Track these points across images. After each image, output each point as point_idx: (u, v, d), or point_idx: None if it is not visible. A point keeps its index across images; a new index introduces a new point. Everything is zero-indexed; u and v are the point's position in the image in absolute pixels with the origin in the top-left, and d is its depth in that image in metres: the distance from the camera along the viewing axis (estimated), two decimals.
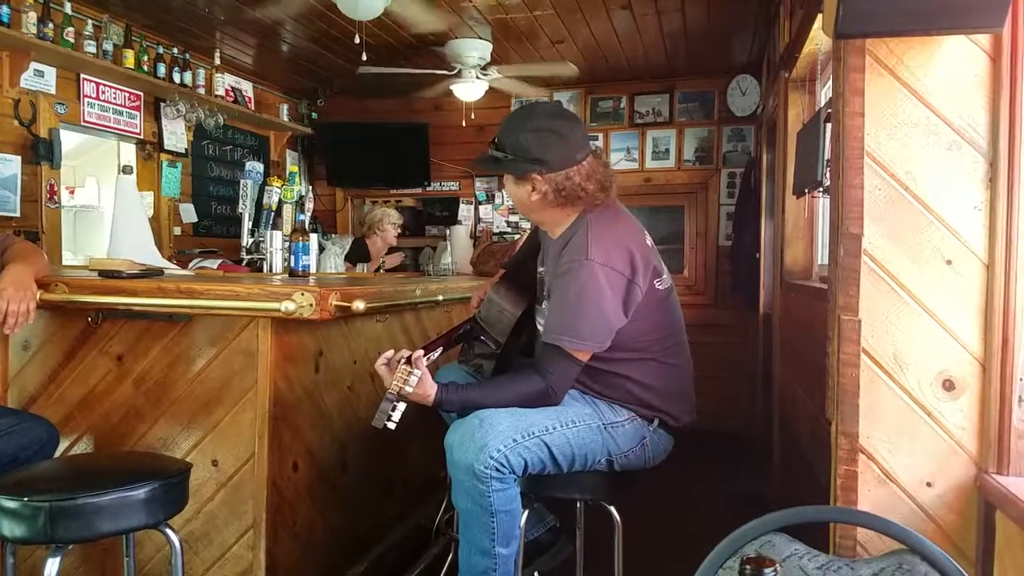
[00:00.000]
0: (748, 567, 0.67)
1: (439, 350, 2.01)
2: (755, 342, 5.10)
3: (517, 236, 5.64)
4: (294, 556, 2.20)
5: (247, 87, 5.52)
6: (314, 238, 2.97)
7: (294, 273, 2.86)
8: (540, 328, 2.09)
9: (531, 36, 4.64)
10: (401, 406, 1.79)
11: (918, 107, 1.59)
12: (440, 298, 2.75)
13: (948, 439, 1.59)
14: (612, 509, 2.04)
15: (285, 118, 5.82)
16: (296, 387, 2.19)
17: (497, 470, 1.80)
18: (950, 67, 1.58)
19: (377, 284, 2.55)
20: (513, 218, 6.04)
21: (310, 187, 6.09)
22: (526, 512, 1.95)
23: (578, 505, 2.31)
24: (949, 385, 1.58)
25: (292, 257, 2.85)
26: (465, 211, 6.10)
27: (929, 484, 1.61)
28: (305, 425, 2.25)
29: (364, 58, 3.84)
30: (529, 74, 4.95)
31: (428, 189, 6.18)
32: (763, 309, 4.80)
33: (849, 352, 1.59)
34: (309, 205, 3.49)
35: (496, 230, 5.98)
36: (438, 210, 6.40)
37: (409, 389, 1.79)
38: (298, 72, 5.57)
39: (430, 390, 1.87)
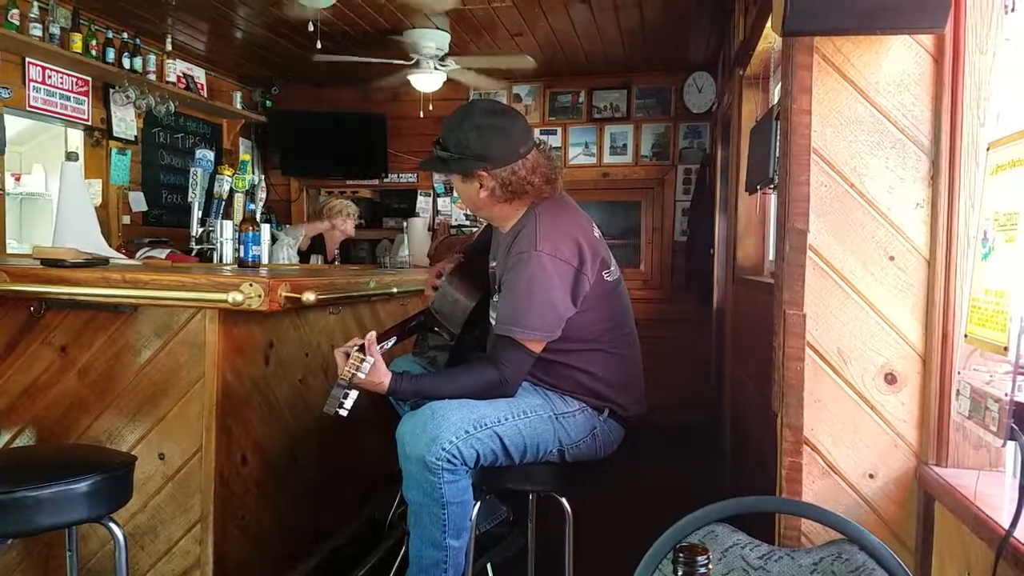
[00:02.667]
0: (681, 555, 0.68)
1: (393, 339, 2.01)
2: (709, 336, 5.18)
3: (475, 229, 5.64)
4: (243, 550, 2.18)
5: (199, 74, 5.39)
6: (266, 228, 2.92)
7: (244, 263, 2.81)
8: (493, 321, 2.10)
9: (490, 28, 4.62)
10: (353, 394, 1.79)
11: (864, 105, 1.62)
12: (395, 290, 2.73)
13: (890, 432, 1.63)
14: (563, 501, 2.05)
15: (239, 106, 5.71)
16: (245, 380, 2.16)
17: (449, 462, 1.80)
18: (895, 66, 1.61)
19: (330, 275, 2.53)
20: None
21: (263, 176, 5.98)
22: (478, 504, 1.95)
23: (530, 497, 2.32)
24: (891, 379, 1.62)
25: (242, 247, 2.80)
26: (423, 203, 6.06)
27: (871, 476, 1.65)
28: (254, 418, 2.22)
29: (319, 46, 3.77)
30: (486, 66, 4.93)
31: (385, 181, 6.12)
32: (716, 304, 4.87)
33: (794, 346, 1.62)
34: (261, 195, 3.44)
35: (454, 223, 5.95)
36: (396, 202, 6.34)
37: (361, 376, 1.79)
38: (252, 59, 5.47)
39: (384, 378, 1.87)
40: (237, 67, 5.72)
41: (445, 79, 4.92)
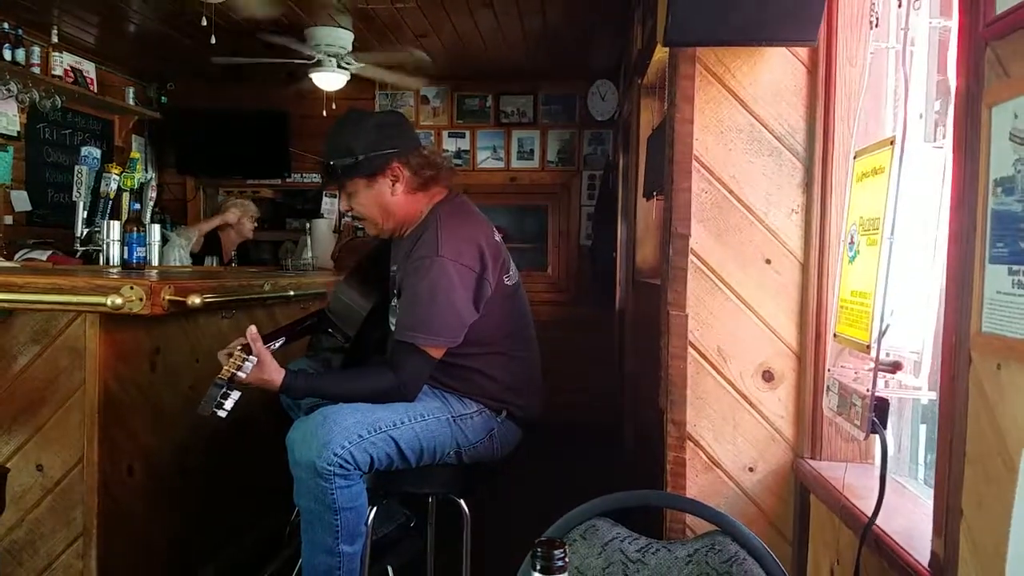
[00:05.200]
0: (539, 550, 0.69)
1: (282, 340, 1.97)
2: (612, 337, 5.30)
3: None
4: (130, 563, 2.09)
5: (89, 68, 5.12)
6: (155, 228, 2.80)
7: (128, 266, 2.69)
8: (392, 327, 2.08)
9: (394, 28, 4.58)
10: (235, 394, 1.75)
11: (743, 114, 1.70)
12: (292, 293, 2.67)
13: (768, 427, 1.71)
14: (462, 502, 2.06)
15: (131, 101, 5.44)
16: (129, 387, 2.07)
17: (341, 467, 1.77)
18: (772, 77, 1.70)
19: (220, 278, 2.45)
20: None
21: (155, 175, 5.71)
22: (374, 509, 1.93)
23: (430, 500, 2.31)
24: (768, 376, 1.70)
25: (127, 249, 2.67)
26: (328, 204, 5.92)
27: (751, 469, 1.72)
28: (140, 427, 2.12)
29: (213, 41, 3.64)
30: (379, 62, 4.86)
31: (288, 180, 5.95)
32: (618, 306, 4.98)
33: (677, 345, 1.68)
34: (152, 194, 3.30)
35: (360, 225, 5.86)
36: (299, 203, 6.18)
37: (242, 375, 1.75)
38: (146, 54, 5.23)
39: (276, 375, 1.83)
40: (130, 61, 5.46)
41: (349, 78, 4.84)
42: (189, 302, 1.90)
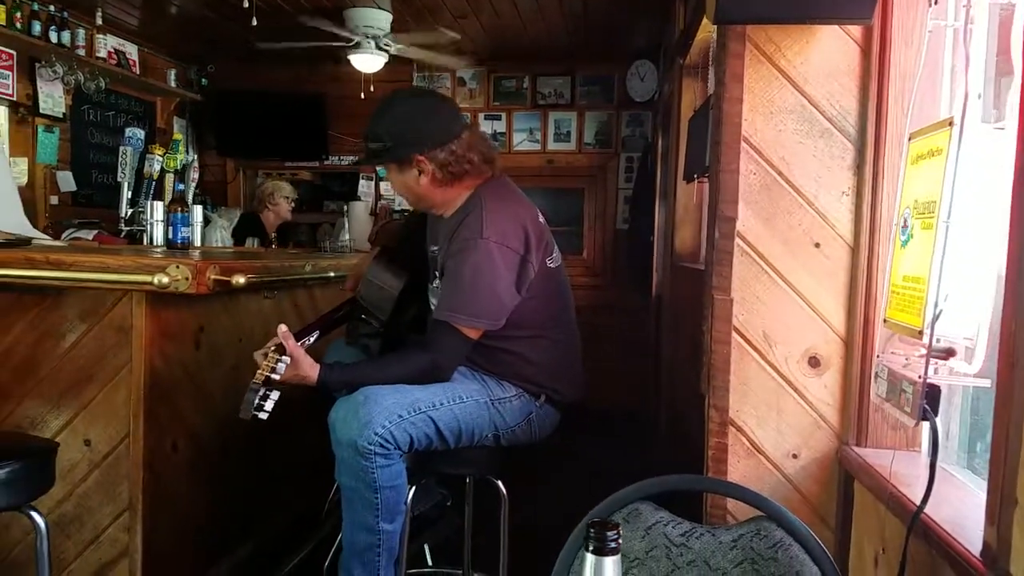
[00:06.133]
0: (592, 531, 0.69)
1: (316, 334, 1.98)
2: (648, 322, 5.26)
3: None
4: (173, 538, 2.13)
5: (132, 50, 5.20)
6: (198, 209, 2.84)
7: (172, 245, 2.74)
8: (433, 306, 2.08)
9: (433, 10, 4.57)
10: (274, 395, 1.77)
11: (794, 95, 1.66)
12: (332, 275, 2.68)
13: (813, 413, 1.68)
14: (499, 483, 2.06)
15: (173, 83, 5.52)
16: (174, 365, 2.11)
17: (381, 446, 1.79)
18: (825, 57, 1.66)
19: (263, 258, 2.47)
20: None
21: (196, 156, 5.79)
22: (412, 488, 1.94)
23: (467, 480, 2.33)
24: (815, 362, 1.67)
25: (171, 229, 2.72)
26: (365, 187, 5.96)
27: (795, 456, 1.70)
28: (184, 404, 2.16)
29: (254, 23, 3.66)
30: (412, 43, 4.85)
31: (326, 163, 5.98)
32: (655, 290, 4.94)
33: (721, 330, 1.66)
34: (194, 175, 3.35)
35: (396, 207, 5.88)
36: (337, 185, 6.23)
37: (276, 376, 1.77)
38: (187, 36, 5.29)
39: (311, 371, 1.84)
40: (172, 44, 5.53)
41: (387, 59, 4.84)
42: (234, 282, 1.92)
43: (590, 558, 0.70)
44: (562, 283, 2.12)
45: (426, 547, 2.47)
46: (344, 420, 1.82)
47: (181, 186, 2.99)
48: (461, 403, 1.92)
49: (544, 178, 5.85)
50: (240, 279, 1.93)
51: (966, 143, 1.20)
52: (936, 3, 1.42)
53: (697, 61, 3.52)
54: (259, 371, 1.77)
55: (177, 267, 1.83)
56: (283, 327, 1.83)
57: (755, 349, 1.68)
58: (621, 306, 5.69)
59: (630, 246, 5.58)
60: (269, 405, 1.77)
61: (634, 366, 5.44)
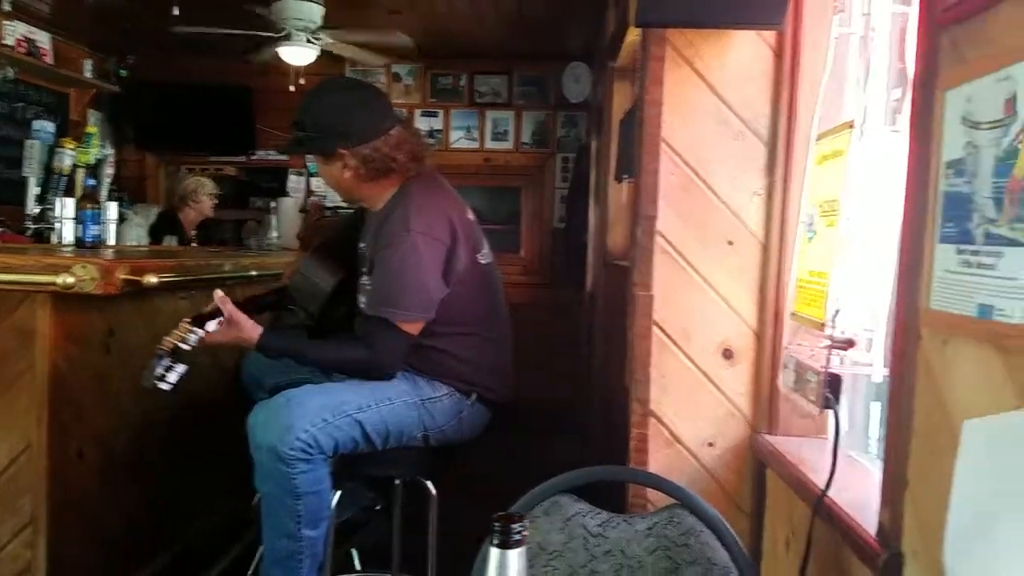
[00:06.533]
0: (496, 524, 0.70)
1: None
2: (583, 320, 5.32)
3: (353, 210, 5.48)
4: (84, 551, 2.04)
5: (44, 38, 4.95)
6: (112, 207, 2.74)
7: (82, 244, 2.63)
8: (361, 304, 2.07)
9: (366, 4, 4.51)
10: (180, 368, 1.73)
11: (710, 97, 1.71)
12: (254, 273, 2.62)
13: (727, 403, 1.74)
14: (428, 484, 2.06)
15: (89, 74, 5.28)
16: (81, 370, 2.01)
17: (304, 451, 1.75)
18: (741, 61, 1.71)
19: (178, 257, 2.40)
20: None
21: (113, 151, 5.55)
22: (337, 493, 1.92)
23: (396, 482, 2.32)
24: (728, 354, 1.72)
25: (80, 227, 2.61)
26: (295, 182, 5.83)
27: (711, 444, 1.75)
28: (92, 411, 2.06)
29: (176, 12, 3.54)
30: (361, 41, 4.79)
31: (253, 158, 5.81)
32: (589, 288, 5.01)
33: (642, 325, 1.70)
34: (109, 170, 3.22)
35: (329, 204, 5.77)
36: (265, 181, 6.06)
37: (186, 347, 1.74)
38: (105, 25, 5.07)
39: (252, 332, 1.84)
40: (88, 33, 5.28)
41: (319, 53, 4.76)
42: (144, 281, 1.85)
43: (495, 552, 0.70)
44: (494, 280, 2.13)
45: (355, 552, 2.44)
46: (264, 424, 1.78)
47: (92, 182, 2.88)
48: (389, 404, 1.90)
49: (482, 177, 5.85)
50: (152, 279, 1.87)
51: (867, 145, 1.27)
52: (842, 11, 1.48)
53: (627, 64, 3.57)
54: (167, 338, 1.74)
55: (84, 267, 1.75)
56: (219, 292, 1.82)
57: (674, 343, 1.73)
58: (558, 304, 5.74)
59: (566, 245, 5.63)
60: (173, 377, 1.73)
61: (570, 363, 5.50)
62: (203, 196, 4.64)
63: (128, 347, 2.20)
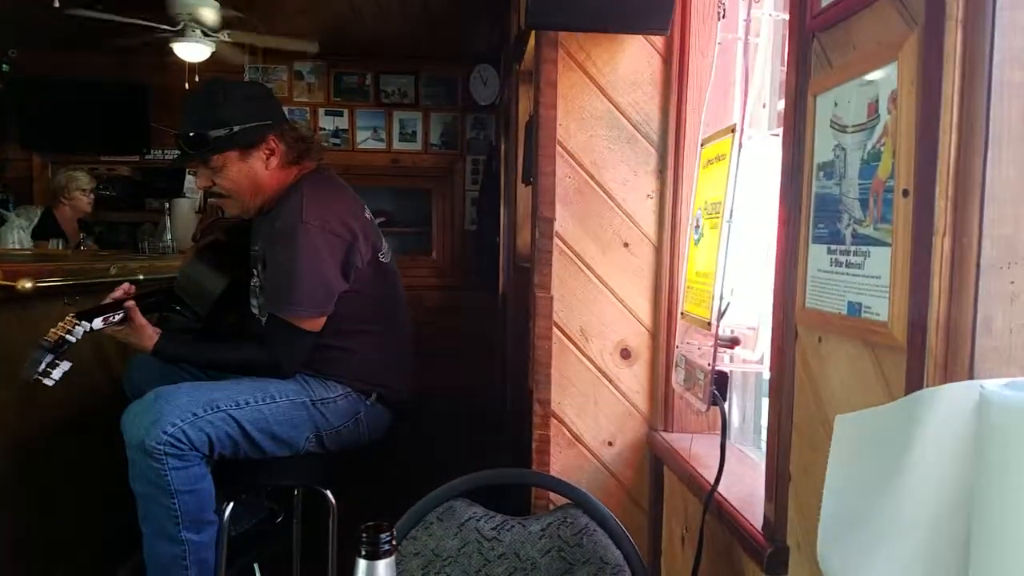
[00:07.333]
0: (364, 535, 0.68)
1: (121, 313, 1.85)
2: (496, 322, 5.33)
3: None
4: None
5: None
6: None
7: None
8: (254, 309, 2.00)
9: (270, 2, 4.38)
10: (65, 365, 1.67)
11: (603, 101, 1.73)
12: (141, 277, 2.50)
13: (625, 402, 1.77)
14: (327, 493, 2.00)
15: None
16: None
17: (173, 446, 1.69)
18: (630, 65, 1.74)
19: (59, 261, 2.27)
20: None
21: None
22: (231, 503, 1.85)
23: (296, 492, 2.25)
24: (626, 354, 1.75)
25: None
26: (191, 183, 5.52)
27: (610, 443, 1.78)
28: None
29: (56, 3, 3.33)
30: (272, 46, 4.66)
31: (147, 157, 5.56)
32: (501, 291, 5.02)
33: (543, 326, 1.71)
34: None
35: (220, 204, 5.55)
36: (160, 181, 5.80)
37: (72, 340, 1.68)
38: None
39: (147, 341, 1.81)
40: None
41: (214, 49, 4.59)
42: (19, 286, 1.77)
43: (362, 563, 0.68)
44: (394, 279, 2.10)
45: (256, 566, 2.35)
46: (133, 420, 1.73)
47: None
48: (273, 403, 1.84)
49: (390, 178, 5.78)
50: (27, 283, 1.78)
51: (745, 148, 1.30)
52: (724, 17, 1.53)
53: (531, 67, 3.59)
54: (53, 330, 1.68)
55: None
56: (126, 284, 1.79)
57: (574, 343, 1.75)
58: (470, 306, 5.72)
59: (478, 247, 5.63)
60: (57, 373, 1.67)
61: (482, 365, 5.49)
62: (76, 192, 4.35)
63: (8, 357, 2.05)
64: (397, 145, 5.83)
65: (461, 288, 5.85)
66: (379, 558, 0.67)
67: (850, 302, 0.91)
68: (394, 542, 0.68)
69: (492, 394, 5.33)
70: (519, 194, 3.91)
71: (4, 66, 5.30)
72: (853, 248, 0.91)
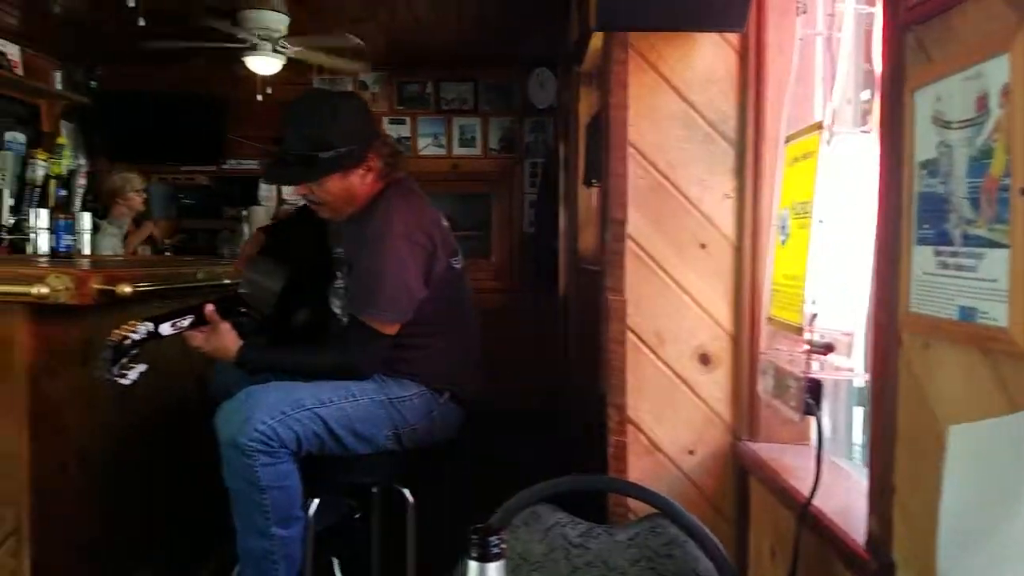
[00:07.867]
0: (474, 537, 0.68)
1: (190, 318, 1.93)
2: (556, 325, 5.31)
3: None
4: (66, 560, 2.02)
5: (14, 51, 4.87)
6: (86, 216, 2.70)
7: (56, 254, 2.60)
8: (336, 310, 2.06)
9: (330, 12, 4.48)
10: (141, 366, 1.75)
11: (676, 101, 1.71)
12: (227, 281, 2.59)
13: (706, 409, 1.73)
14: (405, 491, 2.04)
15: (59, 86, 5.20)
16: (60, 381, 1.98)
17: (264, 443, 1.75)
18: (705, 63, 1.71)
19: (152, 266, 2.37)
20: None
21: (86, 161, 5.47)
22: (315, 501, 1.90)
23: (374, 490, 2.29)
24: (705, 359, 1.72)
25: (54, 237, 2.58)
26: (266, 191, 5.74)
27: (691, 452, 1.74)
28: (72, 422, 2.04)
29: (141, 23, 3.49)
30: (312, 46, 4.75)
31: (224, 167, 5.76)
32: (562, 293, 5.01)
33: (616, 330, 1.69)
34: (82, 181, 3.16)
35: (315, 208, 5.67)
36: (236, 190, 5.99)
37: (136, 337, 1.75)
38: (74, 36, 4.99)
39: (232, 345, 1.87)
40: (58, 44, 5.19)
41: (284, 62, 4.71)
42: (118, 291, 1.84)
43: (473, 565, 0.69)
44: (465, 284, 2.16)
45: (335, 561, 2.41)
46: (226, 419, 1.80)
47: (64, 192, 2.84)
48: (354, 400, 1.89)
49: (451, 183, 5.82)
50: (126, 288, 1.85)
51: (835, 146, 1.26)
52: (805, 12, 1.48)
53: (592, 69, 3.57)
54: (115, 331, 1.75)
55: (57, 277, 1.73)
56: (210, 307, 1.88)
57: (649, 348, 1.72)
58: (530, 309, 5.72)
59: (536, 250, 5.63)
60: (133, 374, 1.75)
61: (544, 368, 5.48)
62: (131, 192, 4.47)
63: None
64: (457, 150, 5.88)
65: (520, 290, 5.86)
66: (489, 560, 0.67)
67: (962, 306, 0.87)
68: (504, 546, 0.68)
69: (555, 396, 5.31)
70: (580, 196, 3.90)
71: (92, 83, 5.56)
72: (964, 250, 0.87)
